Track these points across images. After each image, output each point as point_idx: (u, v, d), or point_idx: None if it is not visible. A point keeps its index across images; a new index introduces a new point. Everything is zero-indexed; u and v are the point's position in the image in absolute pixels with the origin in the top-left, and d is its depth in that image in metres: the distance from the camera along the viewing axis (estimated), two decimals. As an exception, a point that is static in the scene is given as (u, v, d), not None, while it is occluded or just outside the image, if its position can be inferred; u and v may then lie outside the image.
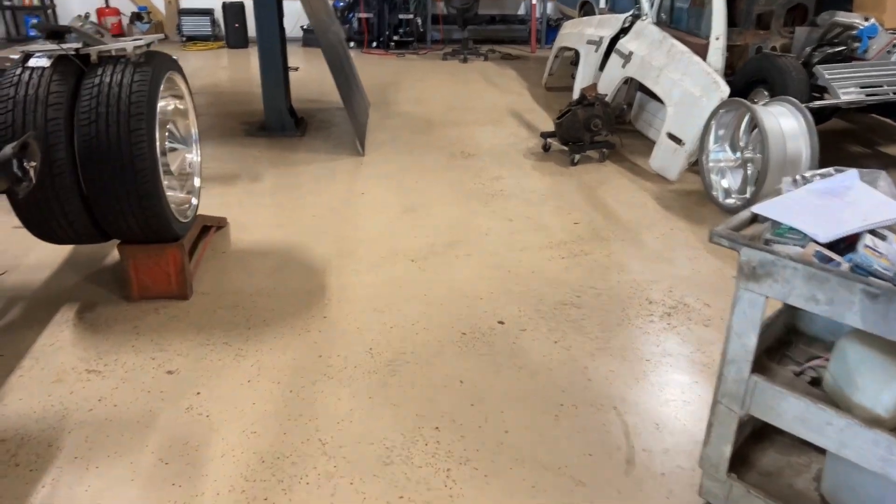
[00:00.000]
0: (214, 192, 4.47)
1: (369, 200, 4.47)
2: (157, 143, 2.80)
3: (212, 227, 3.71)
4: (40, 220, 2.80)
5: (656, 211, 4.35)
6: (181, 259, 3.07)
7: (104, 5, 10.74)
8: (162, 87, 2.92)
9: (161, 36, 3.08)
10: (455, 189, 4.69)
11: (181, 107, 3.30)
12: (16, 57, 2.82)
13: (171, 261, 3.06)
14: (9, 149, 2.14)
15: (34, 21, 10.38)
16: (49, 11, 10.53)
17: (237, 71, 8.75)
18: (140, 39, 2.86)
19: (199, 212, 3.52)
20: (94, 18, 10.60)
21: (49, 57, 2.72)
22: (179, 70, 3.19)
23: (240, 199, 4.43)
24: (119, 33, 10.67)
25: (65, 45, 2.73)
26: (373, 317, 3.06)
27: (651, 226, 4.11)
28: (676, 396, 2.56)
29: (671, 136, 4.75)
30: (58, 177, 2.66)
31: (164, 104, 3.06)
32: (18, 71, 2.69)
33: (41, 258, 3.46)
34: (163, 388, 2.55)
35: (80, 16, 3.66)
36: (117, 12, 10.75)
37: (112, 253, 3.55)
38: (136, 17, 10.76)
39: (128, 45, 2.77)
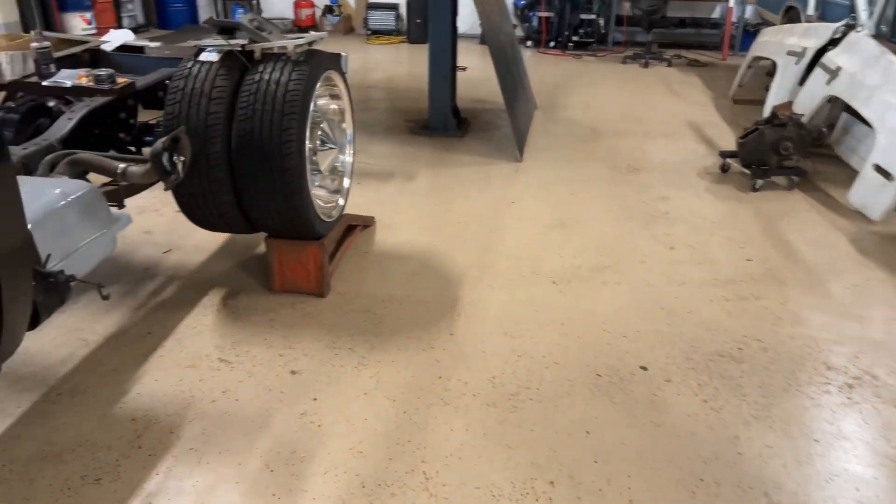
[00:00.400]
0: (368, 188, 4.51)
1: (519, 210, 4.27)
2: (307, 143, 2.80)
3: (357, 225, 3.71)
4: (195, 209, 2.92)
5: (850, 255, 3.72)
6: (321, 258, 3.08)
7: (301, -1, 11.44)
8: (319, 87, 2.93)
9: (324, 34, 3.09)
10: (614, 206, 4.35)
11: (338, 106, 3.31)
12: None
13: (311, 258, 3.08)
14: (160, 143, 2.22)
15: (241, 12, 11.31)
16: (254, 2, 11.42)
17: (412, 66, 8.92)
18: (302, 38, 2.87)
19: (350, 208, 3.53)
20: (291, 11, 11.35)
21: (218, 52, 2.81)
22: (339, 69, 3.19)
23: (391, 197, 4.42)
24: (311, 25, 11.34)
25: (233, 42, 2.81)
26: (501, 341, 2.87)
27: (841, 273, 3.52)
28: (848, 494, 2.11)
29: (879, 169, 4.05)
30: (213, 169, 2.75)
31: (321, 103, 3.07)
32: (190, 64, 2.81)
33: (201, 240, 3.65)
34: (283, 389, 2.54)
35: (251, 12, 3.85)
36: (312, 5, 11.41)
37: (263, 243, 3.66)
38: (327, 10, 11.36)
39: (289, 43, 2.80)
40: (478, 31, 10.75)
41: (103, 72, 2.92)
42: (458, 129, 5.80)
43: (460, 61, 5.94)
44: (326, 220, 3.12)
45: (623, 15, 10.46)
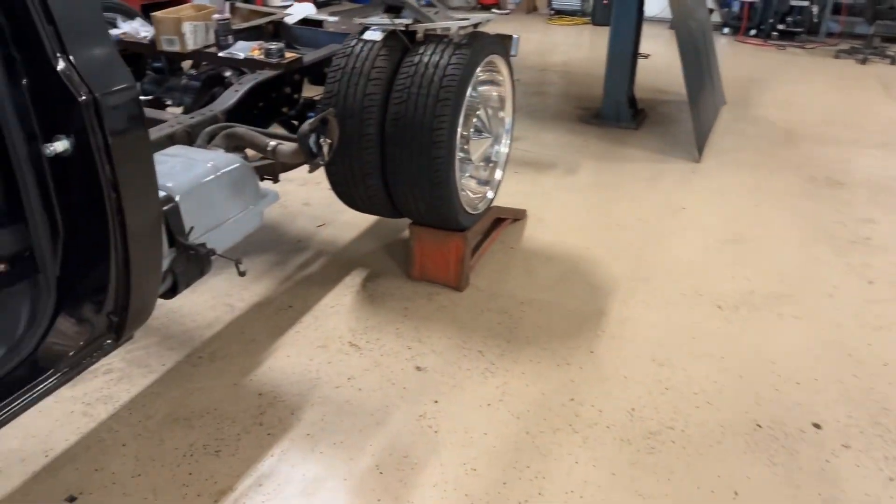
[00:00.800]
0: (525, 178, 4.31)
1: (688, 218, 3.85)
2: (459, 131, 2.66)
3: (506, 219, 3.53)
4: (345, 189, 2.90)
5: None
6: (462, 250, 2.95)
7: (487, -25, 11.31)
8: (479, 72, 2.77)
9: (491, 16, 2.91)
10: (803, 225, 3.79)
11: (498, 93, 3.13)
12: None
13: (452, 250, 2.96)
14: (307, 124, 2.18)
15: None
16: (441, -21, 11.51)
17: (592, 50, 8.49)
18: (468, 18, 2.72)
19: (502, 198, 3.37)
20: (476, -13, 11.26)
21: (382, 31, 2.74)
22: (504, 54, 3.01)
23: (548, 190, 4.19)
24: (495, 3, 11.21)
25: (397, 21, 2.72)
26: (648, 368, 2.57)
27: None
28: None
29: None
30: (365, 150, 2.70)
31: (481, 90, 2.91)
32: (353, 42, 2.77)
33: (353, 218, 3.66)
34: (406, 385, 2.46)
35: None
36: (498, -18, 11.25)
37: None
38: (512, -12, 11.14)
39: (453, 24, 2.65)
40: (669, 14, 10.03)
41: (274, 45, 2.96)
42: (633, 121, 5.40)
43: (644, 47, 5.51)
44: (472, 212, 2.97)
45: (842, 3, 9.21)
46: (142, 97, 3.18)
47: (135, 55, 3.26)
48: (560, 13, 10.76)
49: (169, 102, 3.29)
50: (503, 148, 3.29)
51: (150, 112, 2.54)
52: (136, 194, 1.52)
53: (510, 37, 3.24)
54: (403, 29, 2.71)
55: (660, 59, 7.35)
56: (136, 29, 3.19)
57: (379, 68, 2.67)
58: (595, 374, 2.53)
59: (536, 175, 4.41)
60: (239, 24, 3.56)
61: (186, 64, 3.37)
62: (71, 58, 1.35)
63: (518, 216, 3.69)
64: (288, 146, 2.29)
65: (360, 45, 2.75)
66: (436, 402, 2.37)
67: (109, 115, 1.41)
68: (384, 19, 2.77)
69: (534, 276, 3.20)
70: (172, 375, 2.48)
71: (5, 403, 1.42)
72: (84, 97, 1.36)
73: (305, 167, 2.41)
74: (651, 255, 3.43)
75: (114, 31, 3.22)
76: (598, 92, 5.63)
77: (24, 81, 1.36)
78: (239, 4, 4.28)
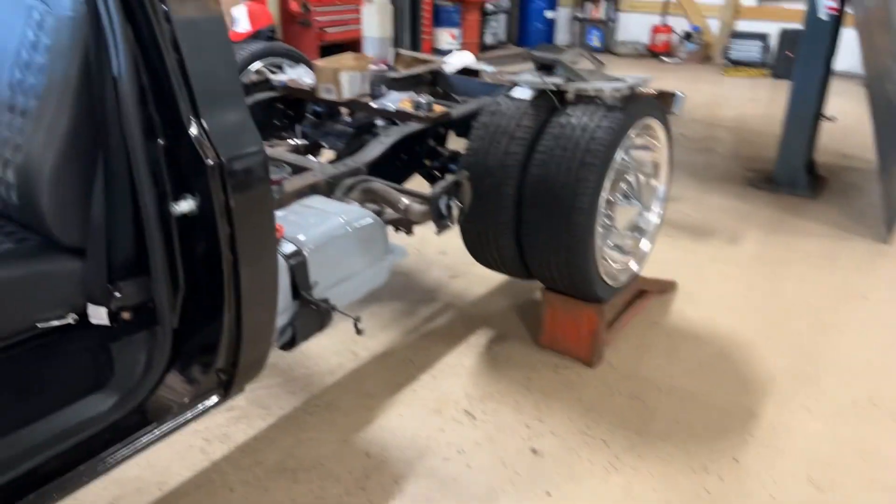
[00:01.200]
0: (679, 244, 3.98)
1: (870, 309, 3.34)
2: (603, 198, 2.48)
3: (651, 291, 3.25)
4: (477, 246, 2.81)
5: None
6: (596, 323, 2.73)
7: (660, 23, 10.98)
8: (633, 136, 2.58)
9: (649, 77, 2.71)
10: None
11: (652, 159, 2.90)
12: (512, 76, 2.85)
13: (585, 321, 2.76)
14: (439, 186, 2.11)
15: (595, 35, 11.32)
16: (610, 24, 11.32)
17: (769, 106, 7.87)
18: (622, 81, 2.54)
19: (649, 265, 3.11)
20: (646, 35, 10.98)
21: (532, 89, 2.64)
22: (661, 117, 2.79)
23: (704, 261, 3.83)
24: (665, 51, 10.83)
25: (547, 80, 2.60)
26: (802, 490, 2.19)
27: None
28: None
29: None
30: (501, 210, 2.59)
31: (632, 154, 2.71)
32: (501, 99, 2.69)
33: (486, 271, 3.55)
34: (519, 468, 2.28)
35: (575, 44, 3.57)
36: (670, 30, 10.88)
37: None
38: (686, 36, 10.71)
39: (606, 86, 2.49)
40: (861, 70, 9.10)
41: (423, 98, 2.96)
42: (810, 189, 4.86)
43: (830, 107, 4.97)
44: (612, 283, 2.76)
45: None
46: (299, 140, 3.36)
47: (297, 99, 3.41)
48: (737, 64, 10.16)
49: (325, 145, 3.41)
50: (654, 218, 3.04)
51: (297, 159, 2.60)
52: (253, 255, 1.52)
53: (673, 94, 3.02)
54: (553, 89, 2.59)
55: (846, 120, 6.63)
56: (299, 75, 3.35)
57: (524, 127, 2.57)
58: (736, 488, 2.20)
59: (692, 242, 4.07)
60: (400, 71, 3.65)
61: (346, 110, 3.49)
62: (203, 122, 1.37)
63: (666, 288, 3.39)
64: (419, 206, 2.24)
65: (508, 102, 2.67)
66: (548, 494, 2.17)
67: (234, 178, 1.42)
68: (535, 77, 2.67)
69: (676, 359, 2.90)
70: (287, 421, 2.49)
71: (109, 451, 1.45)
72: (211, 161, 1.38)
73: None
74: (819, 349, 2.99)
75: (279, 77, 3.40)
76: (771, 153, 5.16)
77: (160, 142, 1.40)
78: (402, 51, 4.39)
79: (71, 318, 1.46)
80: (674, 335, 3.08)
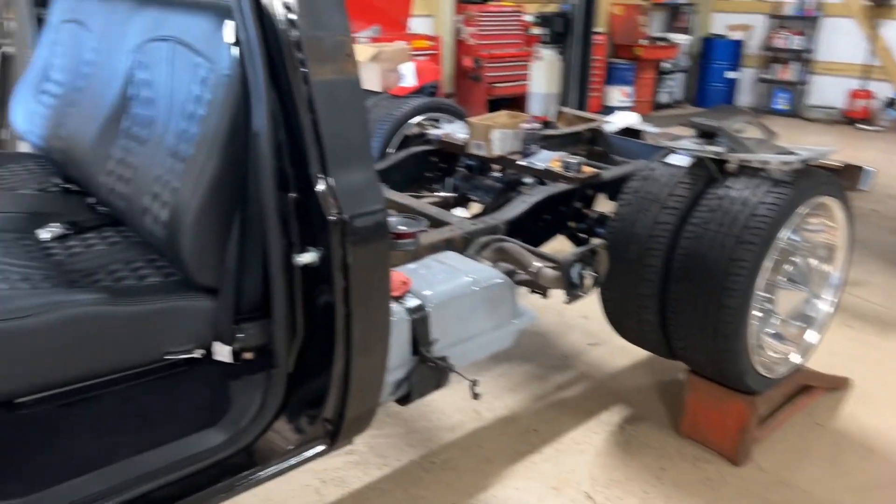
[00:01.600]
0: (857, 335, 3.49)
1: None
2: (761, 281, 2.24)
3: (818, 387, 2.87)
4: (618, 317, 2.65)
5: None
6: (746, 417, 2.44)
7: (860, 87, 10.01)
8: (801, 215, 2.32)
9: (831, 149, 2.43)
10: None
11: (825, 241, 2.58)
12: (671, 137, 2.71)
13: (733, 413, 2.48)
14: (573, 254, 2.01)
15: (783, 98, 10.56)
16: (800, 87, 10.52)
17: None
18: (794, 154, 2.30)
19: (818, 357, 2.75)
20: (842, 99, 10.06)
21: (690, 157, 2.47)
22: (840, 195, 2.48)
23: (886, 358, 3.32)
24: (864, 118, 9.85)
25: (708, 148, 2.43)
26: None
27: None
28: None
29: None
30: (644, 282, 2.43)
31: (802, 235, 2.43)
32: (656, 164, 2.55)
33: (627, 343, 3.36)
34: (638, 569, 2.06)
35: (757, 107, 3.27)
36: (870, 95, 9.88)
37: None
38: (889, 103, 9.66)
39: (774, 158, 2.27)
40: None
41: (573, 159, 2.89)
42: None
43: None
44: (767, 374, 2.46)
45: None
46: (448, 193, 3.42)
47: (450, 153, 3.48)
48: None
49: (474, 199, 3.44)
50: (824, 306, 2.69)
51: (438, 213, 2.63)
52: (366, 310, 1.52)
53: (860, 168, 2.70)
54: (713, 157, 2.40)
55: None
56: (454, 130, 3.42)
57: (677, 196, 2.40)
58: None
59: (875, 335, 3.55)
60: (560, 129, 3.62)
61: (497, 166, 3.51)
62: (330, 179, 1.41)
63: (836, 385, 2.97)
64: (550, 272, 2.14)
65: (662, 168, 2.52)
66: None
67: (354, 234, 1.44)
68: (694, 144, 2.50)
69: (842, 470, 2.51)
70: (402, 475, 2.46)
71: (213, 489, 1.49)
72: (333, 217, 1.41)
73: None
74: None
75: (436, 131, 3.50)
76: None
77: (292, 195, 1.46)
78: (565, 109, 4.37)
79: (198, 353, 1.55)
80: (841, 442, 2.67)
